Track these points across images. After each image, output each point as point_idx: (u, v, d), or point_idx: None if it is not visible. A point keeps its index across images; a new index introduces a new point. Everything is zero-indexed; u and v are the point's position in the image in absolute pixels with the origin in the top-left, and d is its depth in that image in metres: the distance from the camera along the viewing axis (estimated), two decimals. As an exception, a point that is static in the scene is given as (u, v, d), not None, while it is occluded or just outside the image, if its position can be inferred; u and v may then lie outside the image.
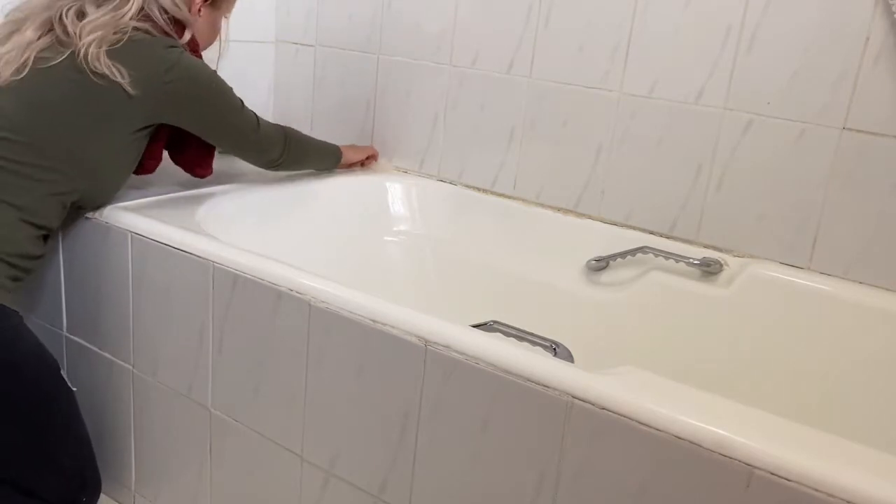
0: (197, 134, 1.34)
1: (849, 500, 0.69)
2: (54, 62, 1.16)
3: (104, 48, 1.16)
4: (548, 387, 0.84)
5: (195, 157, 1.41)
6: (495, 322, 1.02)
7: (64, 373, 1.17)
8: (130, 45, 1.18)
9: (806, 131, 1.31)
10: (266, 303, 1.08)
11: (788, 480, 0.71)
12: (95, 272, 1.30)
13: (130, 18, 1.19)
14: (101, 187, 1.26)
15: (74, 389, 1.19)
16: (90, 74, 1.15)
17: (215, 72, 1.32)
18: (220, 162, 1.46)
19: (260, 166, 1.48)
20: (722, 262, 1.39)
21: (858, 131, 1.26)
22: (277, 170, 1.52)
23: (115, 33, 1.17)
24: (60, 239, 1.32)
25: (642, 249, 1.44)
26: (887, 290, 1.28)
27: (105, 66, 1.15)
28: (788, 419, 0.79)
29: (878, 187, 1.26)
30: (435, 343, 0.92)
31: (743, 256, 1.40)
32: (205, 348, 1.18)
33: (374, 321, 0.98)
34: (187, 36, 1.30)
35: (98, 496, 1.23)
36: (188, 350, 1.20)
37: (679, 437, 0.77)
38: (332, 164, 1.66)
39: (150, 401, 1.29)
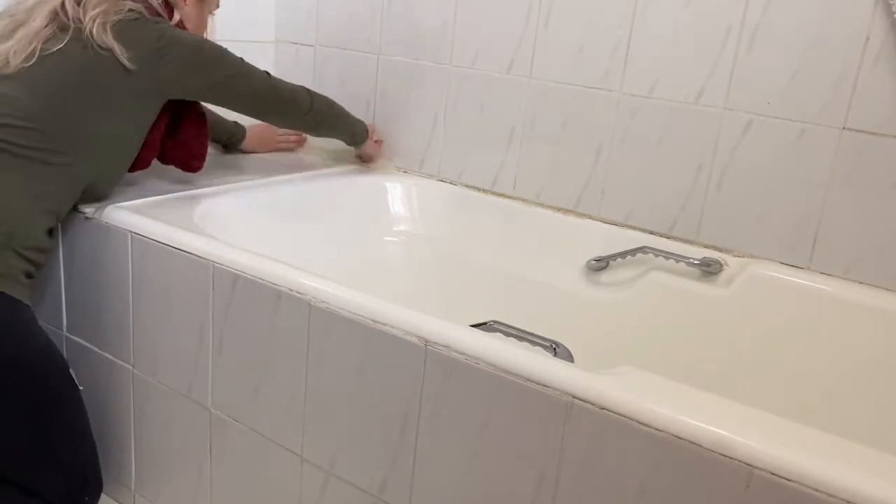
0: (211, 100, 1.38)
1: (849, 501, 0.68)
2: (60, 46, 1.20)
3: (109, 24, 1.21)
4: (548, 387, 0.84)
5: (191, 146, 1.42)
6: (495, 322, 1.01)
7: (72, 371, 1.18)
8: (125, 24, 1.23)
9: (806, 131, 1.31)
10: (266, 303, 1.08)
11: (788, 480, 0.71)
12: (95, 272, 1.30)
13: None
14: (109, 170, 1.29)
15: (81, 388, 1.19)
16: (97, 49, 1.20)
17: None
18: (220, 161, 1.46)
19: (294, 124, 1.56)
20: (722, 262, 1.39)
21: (858, 131, 1.26)
22: (311, 127, 1.57)
23: (115, 13, 1.23)
24: (61, 239, 1.32)
25: (642, 249, 1.44)
26: (887, 290, 1.28)
27: (110, 40, 1.20)
28: (788, 419, 0.78)
29: (878, 187, 1.26)
30: (435, 343, 0.92)
31: (743, 256, 1.40)
32: (205, 348, 1.18)
33: (374, 321, 0.98)
34: (176, 17, 1.36)
35: (99, 496, 1.23)
36: (188, 350, 1.20)
37: (679, 437, 0.77)
38: (361, 131, 1.68)
39: (150, 401, 1.29)
